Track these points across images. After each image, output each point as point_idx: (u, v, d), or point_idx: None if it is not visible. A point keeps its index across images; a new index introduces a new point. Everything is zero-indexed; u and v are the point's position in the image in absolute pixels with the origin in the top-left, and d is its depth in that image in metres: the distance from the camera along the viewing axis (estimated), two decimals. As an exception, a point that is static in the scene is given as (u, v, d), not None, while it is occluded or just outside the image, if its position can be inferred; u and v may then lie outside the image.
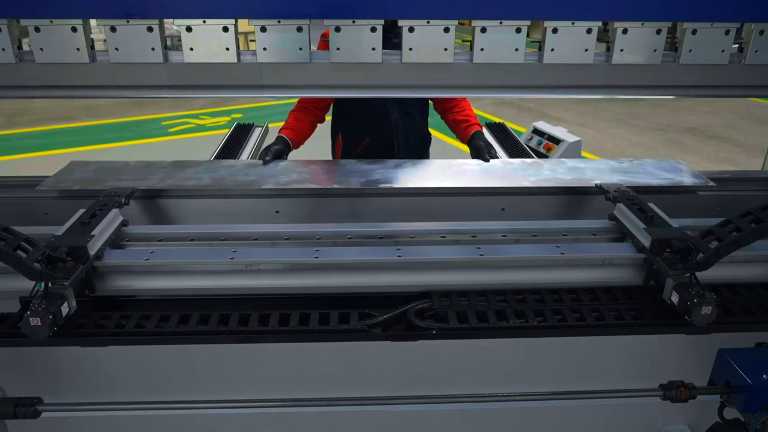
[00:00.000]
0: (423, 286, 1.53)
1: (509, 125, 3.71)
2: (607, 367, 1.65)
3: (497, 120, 3.84)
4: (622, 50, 1.67)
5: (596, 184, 1.96)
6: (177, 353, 1.56)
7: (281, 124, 2.66)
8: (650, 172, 2.16)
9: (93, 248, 1.46)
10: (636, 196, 1.77)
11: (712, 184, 2.09)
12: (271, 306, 1.47)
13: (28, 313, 1.22)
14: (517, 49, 1.65)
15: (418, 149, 3.06)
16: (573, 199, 2.07)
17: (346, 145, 3.00)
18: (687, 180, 2.12)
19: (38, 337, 1.23)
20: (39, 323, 1.21)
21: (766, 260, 1.57)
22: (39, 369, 1.57)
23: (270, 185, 2.03)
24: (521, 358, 1.63)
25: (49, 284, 1.31)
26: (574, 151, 3.70)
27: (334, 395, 1.55)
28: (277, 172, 2.14)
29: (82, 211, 1.63)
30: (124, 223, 1.68)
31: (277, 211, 2.04)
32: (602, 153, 7.57)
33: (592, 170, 2.17)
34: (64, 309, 1.29)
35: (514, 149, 3.20)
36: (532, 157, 2.88)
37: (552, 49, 1.65)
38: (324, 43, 2.26)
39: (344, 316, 1.44)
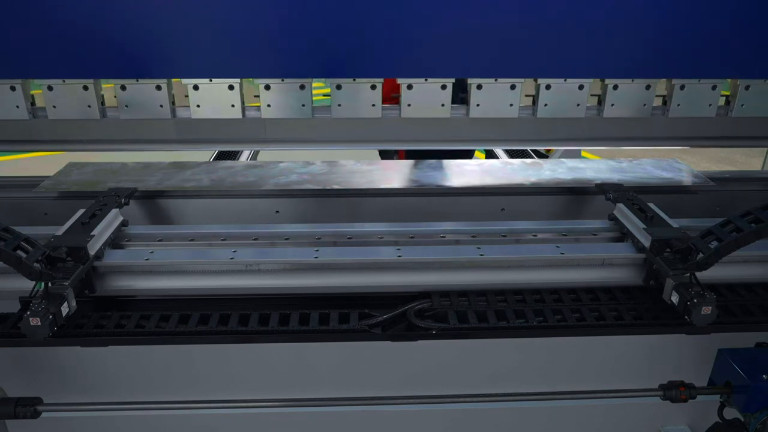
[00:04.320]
0: (423, 286, 1.53)
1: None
2: (608, 367, 1.65)
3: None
4: (612, 105, 1.74)
5: (596, 184, 1.96)
6: (177, 353, 1.56)
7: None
8: (650, 172, 2.16)
9: (93, 248, 1.46)
10: (636, 196, 1.77)
11: (711, 184, 2.09)
12: (271, 306, 1.47)
13: (28, 313, 1.22)
14: (511, 105, 1.72)
15: None
16: (573, 199, 2.06)
17: None
18: (687, 180, 2.12)
19: (38, 337, 1.23)
20: (39, 323, 1.21)
21: (766, 260, 1.57)
22: (39, 369, 1.57)
23: (269, 186, 2.03)
24: (521, 358, 1.63)
25: (49, 284, 1.31)
26: (574, 151, 3.70)
27: (334, 395, 1.55)
28: (277, 173, 2.14)
29: (81, 211, 1.63)
30: (124, 223, 1.68)
31: (277, 211, 2.03)
32: (602, 153, 7.57)
33: (592, 170, 2.18)
34: (64, 309, 1.29)
35: (514, 149, 3.21)
36: (532, 157, 2.89)
37: (545, 104, 1.73)
38: None
39: (344, 316, 1.44)
